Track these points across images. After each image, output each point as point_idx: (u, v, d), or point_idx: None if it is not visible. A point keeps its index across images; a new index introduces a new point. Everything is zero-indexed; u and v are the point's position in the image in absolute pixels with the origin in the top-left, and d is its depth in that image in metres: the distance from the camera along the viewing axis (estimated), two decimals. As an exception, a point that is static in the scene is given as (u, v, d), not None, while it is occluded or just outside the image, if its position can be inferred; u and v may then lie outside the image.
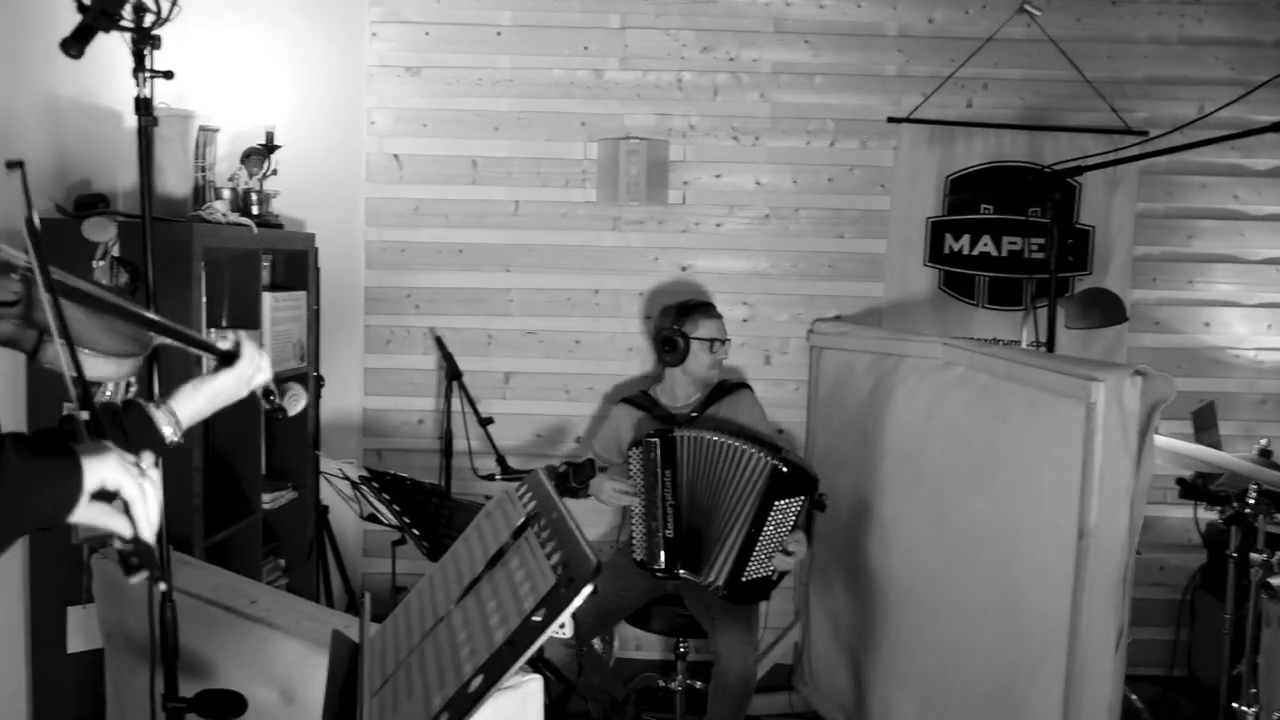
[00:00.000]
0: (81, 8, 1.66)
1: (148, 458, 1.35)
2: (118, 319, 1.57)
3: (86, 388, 1.41)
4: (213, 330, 3.36)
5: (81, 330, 1.52)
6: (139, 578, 1.34)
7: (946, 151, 4.31)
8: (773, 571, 3.30)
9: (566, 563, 1.42)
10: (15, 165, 1.37)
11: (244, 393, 1.73)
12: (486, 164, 4.34)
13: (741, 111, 4.34)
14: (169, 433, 1.63)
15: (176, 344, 1.68)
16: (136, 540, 1.32)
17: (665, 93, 4.33)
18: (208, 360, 1.78)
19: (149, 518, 1.31)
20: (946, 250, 4.36)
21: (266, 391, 1.79)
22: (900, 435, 3.38)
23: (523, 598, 1.44)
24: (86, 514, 1.27)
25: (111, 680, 2.64)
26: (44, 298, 1.39)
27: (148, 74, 1.80)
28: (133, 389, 1.73)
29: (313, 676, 2.09)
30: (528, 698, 1.95)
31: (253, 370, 1.71)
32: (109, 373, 1.57)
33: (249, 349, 1.71)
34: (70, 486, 1.24)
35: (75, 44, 1.66)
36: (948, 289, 4.38)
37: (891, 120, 4.30)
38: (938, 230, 4.36)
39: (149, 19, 1.74)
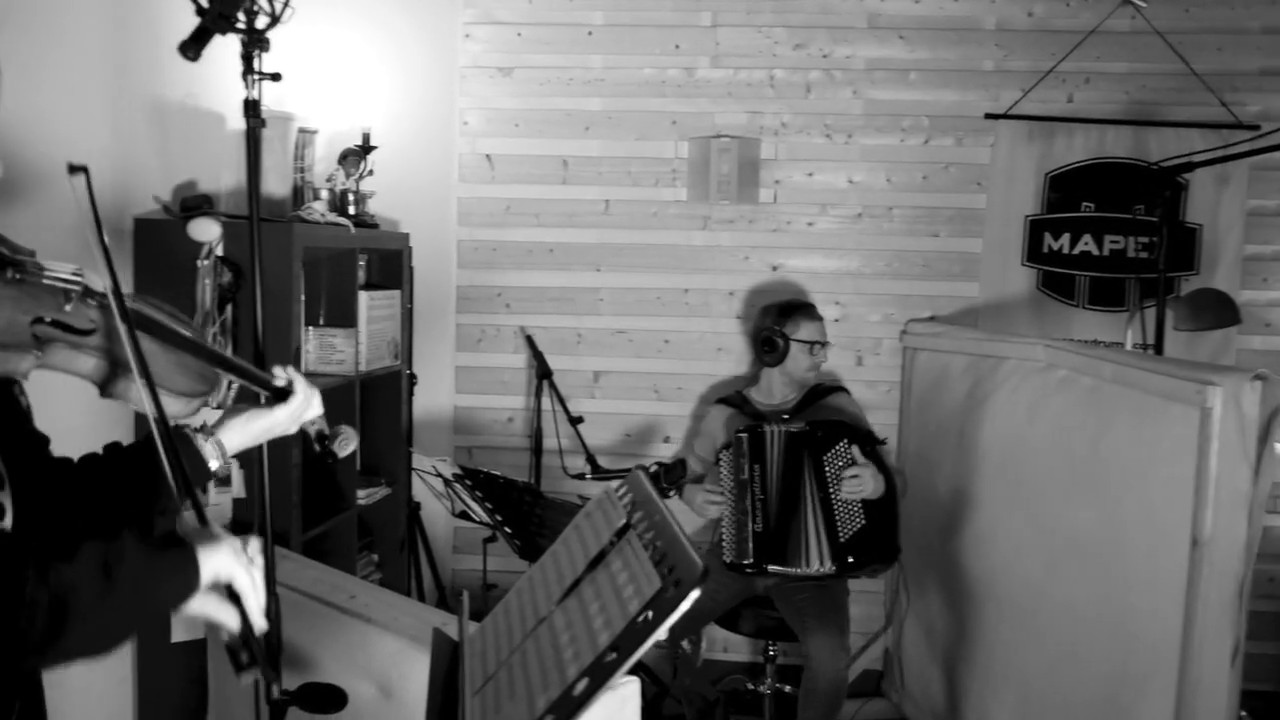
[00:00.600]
0: (200, 10, 1.69)
1: (254, 544, 1.34)
2: (188, 355, 1.53)
3: (168, 428, 1.38)
4: (310, 328, 3.42)
5: (152, 364, 1.44)
6: (250, 676, 1.32)
7: (1046, 148, 4.20)
8: (864, 521, 3.27)
9: (673, 566, 1.40)
10: (78, 170, 1.31)
11: (294, 429, 1.69)
12: (577, 163, 4.35)
13: (834, 109, 4.28)
14: (215, 465, 1.62)
15: (239, 380, 1.63)
16: (246, 633, 1.30)
17: (757, 90, 4.29)
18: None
19: (259, 607, 1.31)
20: (1045, 249, 4.25)
21: (320, 435, 1.76)
22: (999, 439, 3.30)
23: (627, 600, 1.42)
24: (198, 605, 1.27)
25: (214, 671, 2.69)
26: (120, 328, 1.35)
27: (257, 76, 1.82)
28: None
29: (410, 672, 2.11)
30: (626, 700, 1.94)
31: (304, 408, 1.68)
32: (175, 411, 1.52)
33: (301, 386, 1.68)
34: (186, 582, 1.24)
35: (193, 46, 1.69)
36: (1046, 289, 4.27)
37: (989, 116, 4.21)
38: (1036, 229, 4.25)
39: (261, 21, 1.76)
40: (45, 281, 1.37)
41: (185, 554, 1.23)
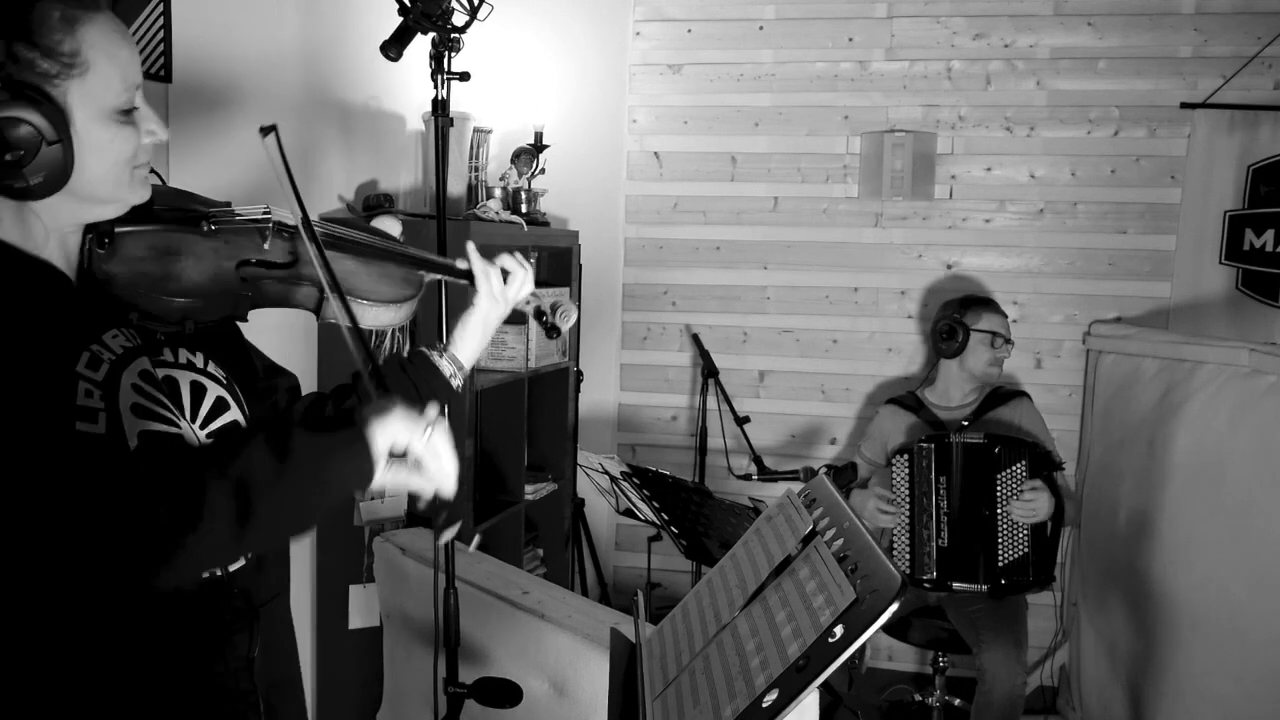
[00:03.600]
0: (403, 9, 1.72)
1: (433, 410, 1.31)
2: (389, 263, 1.56)
3: (366, 341, 1.40)
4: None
5: (356, 281, 1.51)
6: (450, 533, 1.35)
7: (1249, 138, 3.93)
8: (1026, 549, 3.22)
9: (866, 576, 1.34)
10: (269, 130, 1.35)
11: (508, 308, 1.67)
12: (746, 160, 4.30)
13: (1015, 101, 4.10)
14: (455, 380, 1.64)
15: (439, 276, 1.66)
16: (436, 498, 1.31)
17: (933, 83, 4.15)
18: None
19: (445, 470, 1.30)
20: (1246, 247, 3.98)
21: (539, 311, 1.74)
22: (1195, 448, 3.10)
23: (817, 610, 1.37)
24: (388, 478, 1.28)
25: (389, 659, 2.76)
26: (311, 252, 1.39)
27: (447, 76, 1.85)
28: (402, 341, 1.72)
29: (584, 670, 2.11)
30: (804, 710, 1.88)
31: (498, 283, 1.65)
32: (388, 319, 1.56)
33: (479, 263, 1.66)
34: (363, 458, 1.25)
35: (395, 46, 1.72)
36: (1246, 289, 3.99)
37: (1185, 106, 3.96)
38: (1236, 225, 3.98)
39: (459, 19, 1.78)
40: (239, 225, 1.44)
41: (353, 433, 1.25)
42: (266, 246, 1.45)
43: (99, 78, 1.21)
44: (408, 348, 1.66)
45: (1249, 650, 2.75)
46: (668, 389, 4.42)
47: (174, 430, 1.33)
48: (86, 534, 1.12)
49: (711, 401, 4.12)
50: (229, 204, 1.48)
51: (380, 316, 1.55)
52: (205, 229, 1.41)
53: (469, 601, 2.34)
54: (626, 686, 1.68)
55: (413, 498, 1.33)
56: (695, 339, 4.21)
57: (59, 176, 1.19)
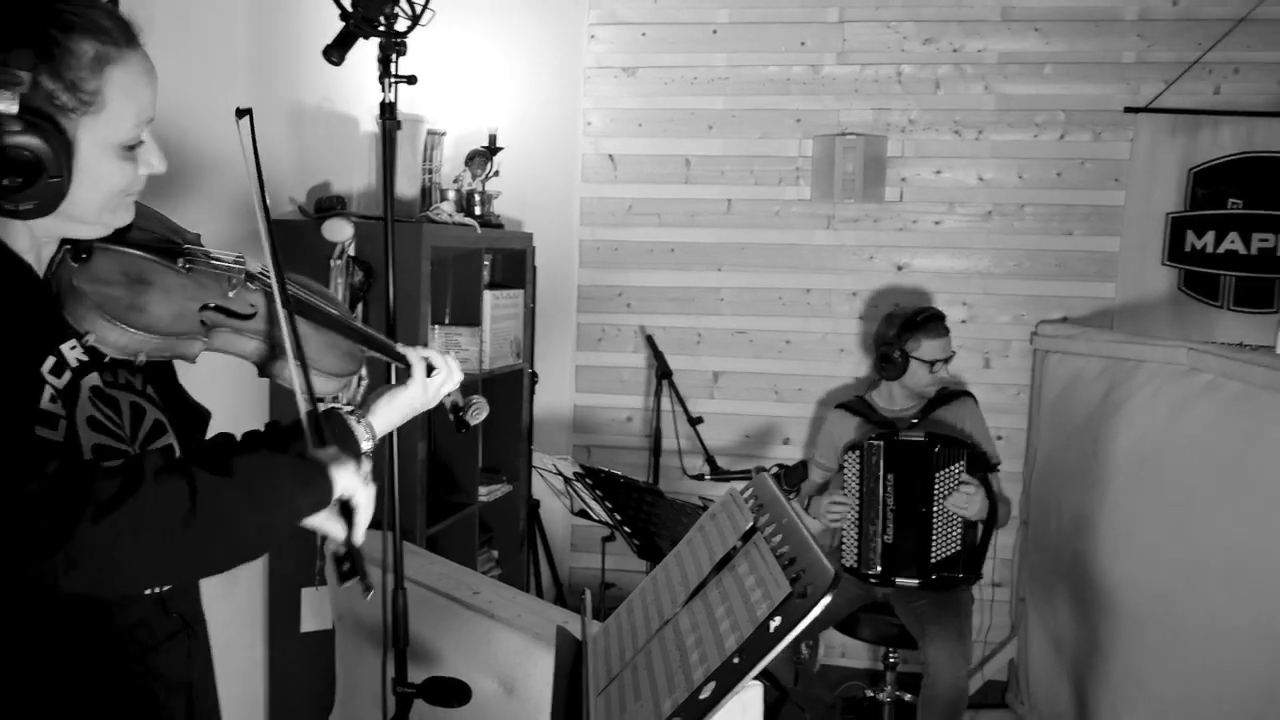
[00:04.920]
0: (344, 15, 1.73)
1: (367, 466, 1.39)
2: (338, 335, 1.58)
3: (316, 408, 1.43)
4: (436, 327, 3.48)
5: (304, 346, 1.52)
6: (352, 583, 1.36)
7: (1190, 142, 4.02)
8: (959, 545, 3.30)
9: (802, 570, 1.37)
10: (244, 113, 1.40)
11: (433, 401, 1.70)
12: (700, 163, 4.33)
13: (964, 105, 4.17)
14: (366, 446, 1.66)
15: (381, 357, 1.68)
16: (350, 545, 1.34)
17: (884, 87, 4.20)
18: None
19: (366, 523, 1.36)
20: (1187, 248, 4.07)
21: (454, 406, 1.79)
22: (1136, 446, 3.17)
23: (755, 605, 1.40)
24: (318, 517, 1.32)
25: (341, 661, 2.75)
26: (280, 314, 1.41)
27: (393, 79, 1.86)
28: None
29: (533, 669, 2.12)
30: (748, 704, 1.92)
31: (438, 379, 1.70)
32: (324, 390, 1.58)
33: (439, 360, 1.70)
34: (323, 490, 1.29)
35: (337, 50, 1.73)
36: (1188, 290, 4.08)
37: (1129, 110, 4.04)
38: (1178, 227, 4.07)
39: (401, 24, 1.79)
40: (212, 269, 1.45)
41: (322, 468, 1.30)
42: (231, 294, 1.46)
43: (113, 115, 1.23)
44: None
45: (1186, 643, 2.81)
46: (622, 390, 4.44)
47: (122, 449, 1.34)
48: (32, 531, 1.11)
49: (666, 402, 4.15)
50: (199, 237, 1.49)
51: (320, 386, 1.56)
52: (181, 265, 1.42)
53: (420, 602, 2.35)
54: (572, 684, 1.70)
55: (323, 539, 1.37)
56: (649, 340, 4.24)
57: (49, 205, 1.21)
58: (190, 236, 1.48)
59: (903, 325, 3.49)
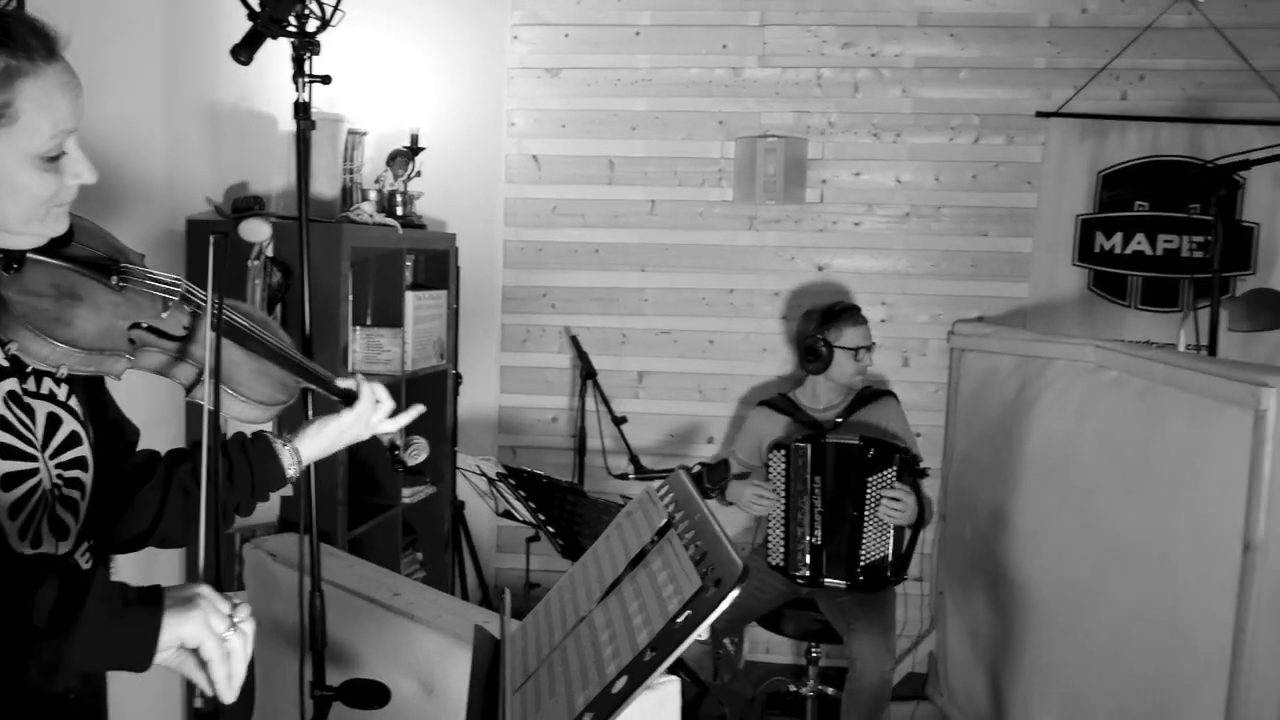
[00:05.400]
0: (252, 15, 1.72)
1: (243, 610, 1.23)
2: (272, 364, 1.59)
3: (218, 433, 1.41)
4: (357, 328, 3.46)
5: (235, 372, 1.53)
6: None
7: (1099, 146, 4.14)
8: (887, 550, 3.33)
9: (712, 565, 1.40)
10: (222, 235, 1.40)
11: (365, 434, 1.71)
12: (623, 164, 4.35)
13: (883, 108, 4.25)
14: (291, 473, 1.66)
15: (315, 388, 1.68)
16: (216, 702, 1.22)
17: (804, 90, 4.27)
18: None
19: (231, 677, 1.20)
20: (1097, 249, 4.19)
21: (392, 444, 1.79)
22: (1047, 441, 3.26)
23: (666, 599, 1.42)
24: (170, 661, 1.20)
25: (261, 666, 2.72)
26: (209, 337, 1.40)
27: (307, 79, 1.85)
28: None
29: (453, 669, 2.12)
30: (665, 699, 1.94)
31: (370, 409, 1.70)
32: (253, 416, 1.58)
33: (366, 388, 1.71)
34: (145, 645, 1.15)
35: (244, 50, 1.72)
36: (1097, 289, 4.21)
37: (1040, 115, 4.15)
38: (1087, 228, 4.19)
39: (312, 24, 1.79)
40: (148, 289, 1.45)
41: (150, 616, 1.15)
42: (164, 315, 1.46)
43: (27, 127, 1.23)
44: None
45: (1093, 632, 2.90)
46: (548, 390, 4.45)
47: (30, 465, 1.34)
48: None
49: (590, 402, 4.17)
50: (143, 257, 1.49)
51: (244, 412, 1.57)
52: (114, 283, 1.41)
53: (340, 605, 2.33)
54: (490, 683, 1.71)
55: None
56: (574, 340, 4.25)
57: None
58: (133, 256, 1.47)
59: (822, 317, 3.55)
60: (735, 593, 1.33)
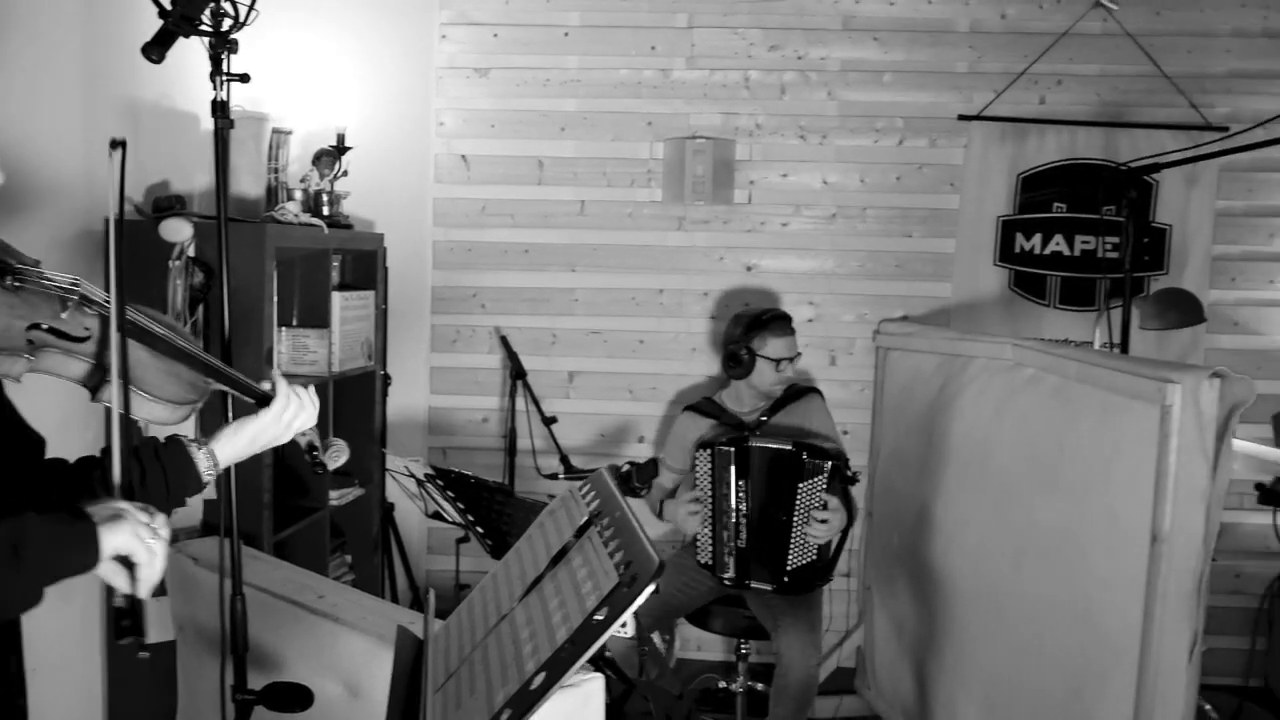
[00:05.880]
0: (163, 13, 1.70)
1: (161, 519, 1.40)
2: (181, 365, 1.58)
3: (129, 433, 1.45)
4: (283, 329, 3.42)
5: (143, 373, 1.53)
6: (128, 641, 1.43)
7: (1018, 149, 4.24)
8: (815, 556, 3.34)
9: (629, 561, 1.41)
10: (118, 145, 1.41)
11: (285, 436, 1.71)
12: (553, 164, 4.36)
13: (809, 110, 4.30)
14: (206, 474, 1.65)
15: (228, 389, 1.68)
16: (133, 599, 1.39)
17: (732, 92, 4.31)
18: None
19: (152, 579, 1.38)
20: (1017, 249, 4.29)
21: (310, 446, 1.79)
22: (968, 437, 3.32)
23: (585, 596, 1.44)
24: (105, 570, 1.37)
25: (183, 672, 2.69)
26: (114, 338, 1.41)
27: (225, 77, 1.83)
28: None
29: (378, 671, 2.12)
30: (589, 696, 1.95)
31: (290, 411, 1.69)
32: (162, 417, 1.58)
33: (283, 388, 1.70)
34: (89, 554, 1.32)
35: (156, 48, 1.70)
36: (1018, 289, 4.31)
37: (962, 118, 4.24)
38: (1008, 229, 4.28)
39: (227, 23, 1.77)
40: (43, 289, 1.44)
41: (87, 528, 1.31)
42: (64, 316, 1.45)
43: None
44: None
45: (1012, 623, 2.97)
46: (478, 391, 4.44)
47: None
48: None
49: (521, 403, 4.17)
50: (38, 262, 1.47)
51: (155, 412, 1.57)
52: (7, 283, 1.40)
53: (263, 608, 2.31)
54: (413, 683, 1.71)
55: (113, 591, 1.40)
56: (504, 341, 4.25)
57: None
58: (27, 260, 1.46)
59: (749, 325, 3.56)
60: (651, 588, 1.35)
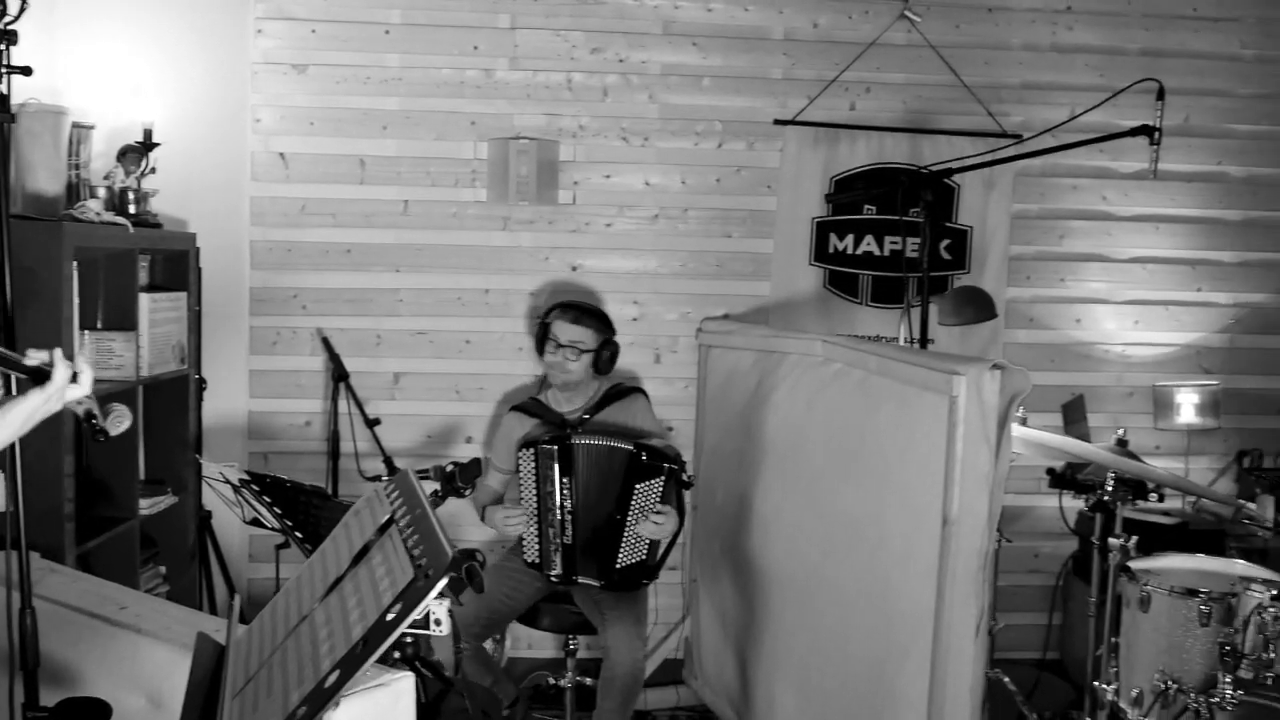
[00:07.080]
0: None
1: (79, 360, 1.51)
2: None
3: None
4: (86, 332, 3.29)
5: None
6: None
7: (831, 153, 4.41)
8: (644, 555, 3.36)
9: (426, 558, 1.43)
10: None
11: (56, 408, 1.66)
12: (375, 163, 4.30)
13: (631, 112, 4.38)
14: None
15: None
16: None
17: (555, 93, 4.34)
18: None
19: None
20: (831, 250, 4.47)
21: (89, 414, 1.73)
22: (781, 430, 3.45)
23: (382, 593, 1.45)
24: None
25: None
26: None
27: (5, 70, 1.76)
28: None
29: (181, 681, 2.06)
30: (399, 695, 1.96)
31: (67, 385, 1.65)
32: None
33: (61, 365, 1.65)
34: None
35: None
36: (833, 288, 4.48)
37: (777, 122, 4.39)
38: (822, 230, 4.46)
39: (7, 20, 1.71)
40: None
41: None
42: None
43: None
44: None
45: (821, 609, 3.10)
46: (300, 394, 4.34)
47: None
48: None
49: (344, 405, 4.10)
50: None
51: None
52: None
53: (59, 622, 2.23)
54: (212, 689, 1.68)
55: None
56: (325, 342, 4.17)
57: None
58: None
59: (553, 305, 3.64)
60: (444, 582, 1.37)
